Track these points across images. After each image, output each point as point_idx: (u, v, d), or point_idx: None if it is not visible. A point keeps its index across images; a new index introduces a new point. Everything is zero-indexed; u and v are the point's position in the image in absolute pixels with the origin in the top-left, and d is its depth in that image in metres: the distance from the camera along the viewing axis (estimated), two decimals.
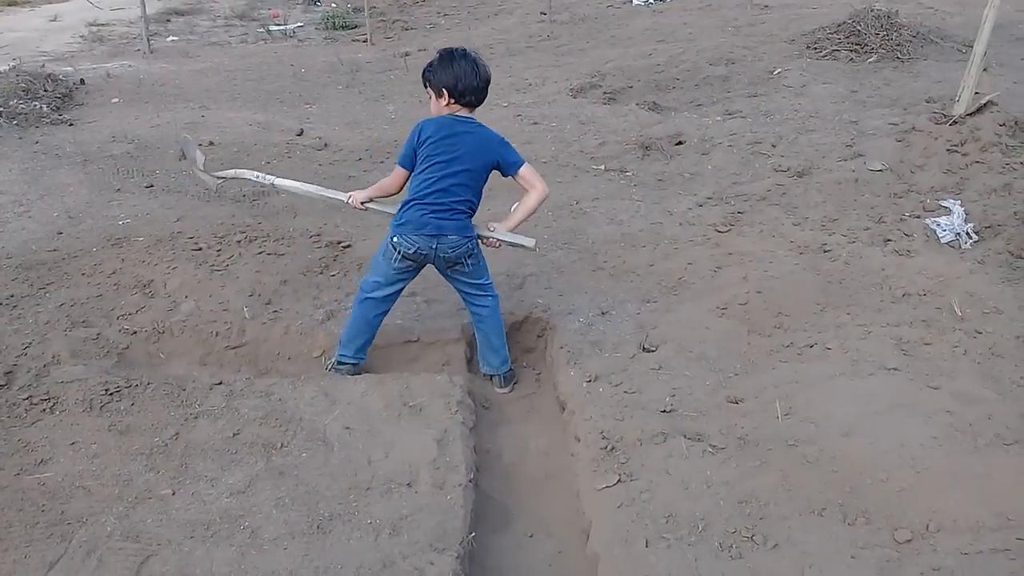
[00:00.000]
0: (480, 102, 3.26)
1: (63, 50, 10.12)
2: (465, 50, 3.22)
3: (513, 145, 3.34)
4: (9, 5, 13.99)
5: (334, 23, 11.67)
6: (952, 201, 4.43)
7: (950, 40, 8.32)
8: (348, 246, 4.37)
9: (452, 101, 3.19)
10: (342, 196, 3.51)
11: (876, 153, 5.19)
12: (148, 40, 9.96)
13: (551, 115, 6.83)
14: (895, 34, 8.14)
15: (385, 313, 3.39)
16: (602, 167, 5.57)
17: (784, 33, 9.12)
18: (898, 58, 7.81)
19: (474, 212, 3.28)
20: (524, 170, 3.28)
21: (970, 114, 5.04)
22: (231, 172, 3.94)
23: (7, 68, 7.99)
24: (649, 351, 3.41)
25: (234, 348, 3.61)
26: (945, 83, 6.74)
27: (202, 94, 7.96)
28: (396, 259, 3.23)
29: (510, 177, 3.30)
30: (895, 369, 3.13)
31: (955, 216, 4.27)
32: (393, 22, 11.89)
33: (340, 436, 2.95)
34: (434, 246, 3.17)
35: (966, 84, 5.04)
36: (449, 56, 3.18)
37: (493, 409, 3.42)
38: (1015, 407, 2.85)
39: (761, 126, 6.16)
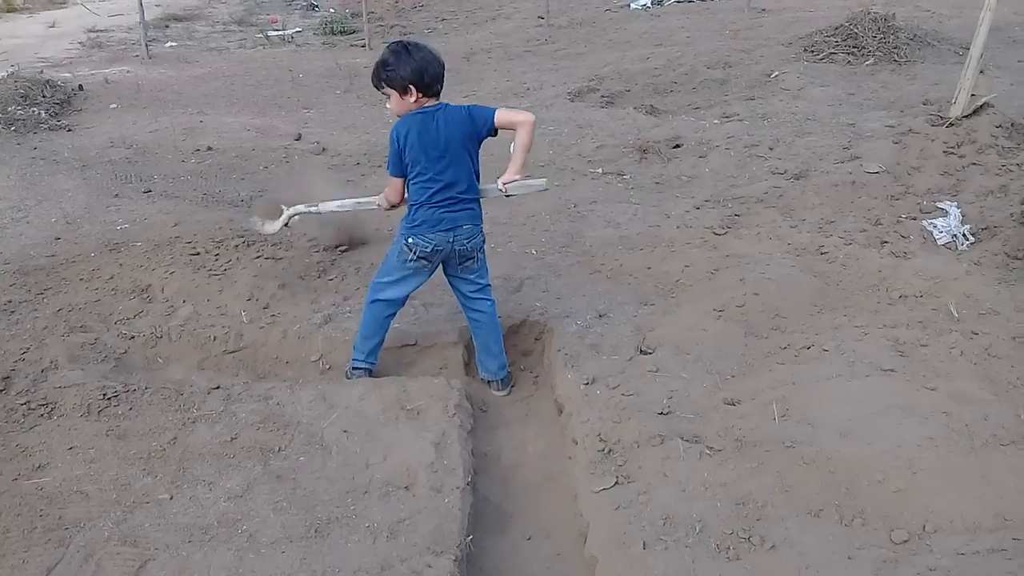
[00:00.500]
0: (442, 89, 3.13)
1: (62, 56, 10.14)
2: (417, 43, 3.10)
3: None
4: (8, 11, 14.01)
5: (332, 28, 11.69)
6: (949, 203, 4.44)
7: (947, 43, 8.34)
8: (346, 250, 4.37)
9: (420, 95, 3.06)
10: (374, 201, 3.41)
11: (873, 155, 5.20)
12: (147, 46, 9.98)
13: (549, 119, 6.84)
14: (892, 37, 8.16)
15: (394, 315, 3.40)
16: (600, 170, 5.58)
17: (781, 36, 9.15)
18: (895, 61, 7.83)
19: (478, 190, 3.27)
20: (499, 116, 3.15)
21: (967, 116, 5.06)
22: (289, 214, 3.66)
23: (5, 74, 8.02)
24: (646, 353, 3.41)
25: (232, 352, 3.61)
26: (942, 85, 6.75)
27: (200, 99, 7.97)
28: (411, 259, 3.22)
29: (495, 129, 3.18)
30: (892, 370, 3.13)
31: (952, 218, 4.28)
32: (391, 27, 11.92)
33: (338, 440, 2.95)
34: (451, 239, 3.17)
35: (963, 86, 5.05)
36: (404, 50, 3.03)
37: (491, 412, 3.42)
38: (1011, 408, 2.85)
39: (758, 129, 6.17)
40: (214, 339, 3.63)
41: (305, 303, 3.89)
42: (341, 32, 11.61)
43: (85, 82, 8.37)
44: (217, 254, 4.25)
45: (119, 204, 5.07)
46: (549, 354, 3.62)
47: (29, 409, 3.08)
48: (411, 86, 3.03)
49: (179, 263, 4.14)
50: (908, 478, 2.53)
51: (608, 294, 3.91)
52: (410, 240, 3.19)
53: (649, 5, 12.20)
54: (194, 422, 3.03)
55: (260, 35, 11.62)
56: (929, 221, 4.30)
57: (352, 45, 10.85)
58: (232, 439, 2.93)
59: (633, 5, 12.24)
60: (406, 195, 3.27)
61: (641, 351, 3.42)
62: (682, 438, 2.83)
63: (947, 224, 4.24)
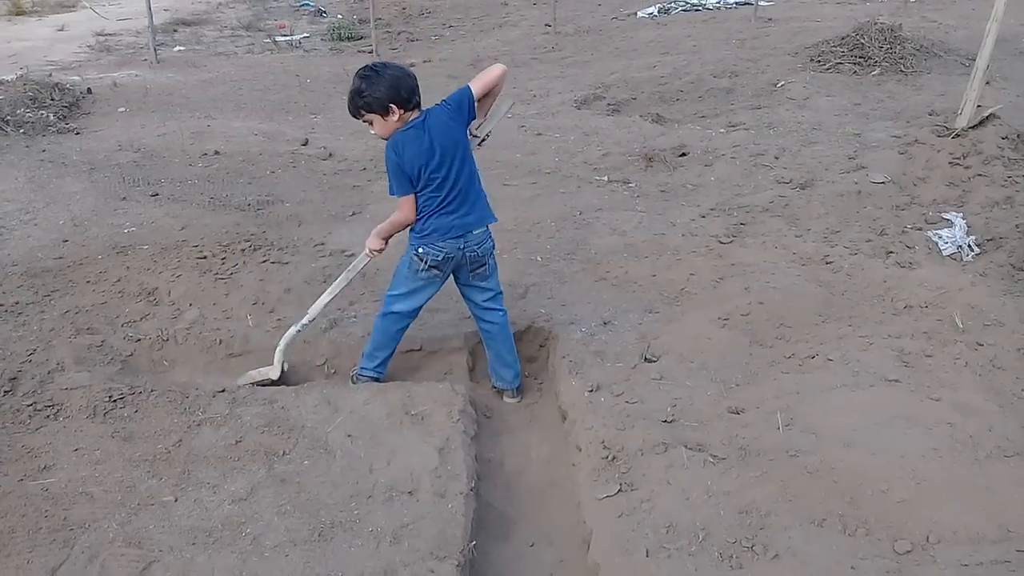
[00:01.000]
0: (420, 100, 3.09)
1: (70, 59, 10.19)
2: (386, 63, 3.08)
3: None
4: (17, 15, 14.09)
5: (340, 34, 11.74)
6: (954, 214, 4.44)
7: (953, 54, 8.35)
8: (352, 255, 4.38)
9: (401, 111, 3.02)
10: (362, 261, 3.39)
11: (879, 165, 5.21)
12: (155, 50, 10.03)
13: (555, 126, 6.86)
14: (898, 47, 8.17)
15: (407, 327, 3.40)
16: (605, 178, 5.59)
17: (788, 46, 9.16)
18: (901, 71, 7.83)
19: (482, 185, 3.27)
20: (474, 87, 3.15)
21: (972, 127, 5.06)
22: (280, 349, 3.51)
23: (14, 77, 8.04)
24: (651, 361, 3.41)
25: (237, 356, 3.63)
26: (948, 96, 6.76)
27: (208, 104, 8.00)
28: (422, 269, 3.22)
29: (475, 101, 3.16)
30: (896, 381, 3.13)
31: (957, 228, 4.29)
32: (398, 33, 11.96)
33: (342, 444, 2.95)
34: (461, 246, 3.17)
35: (969, 97, 5.06)
36: (374, 72, 3.00)
37: (495, 418, 3.43)
38: (1016, 419, 2.85)
39: (764, 138, 6.18)
40: (220, 342, 3.65)
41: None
42: (348, 38, 11.65)
43: (93, 85, 8.41)
44: (224, 258, 4.26)
45: (126, 207, 5.09)
46: (554, 361, 3.62)
47: (35, 410, 3.10)
48: (391, 104, 2.99)
49: (186, 267, 4.16)
50: (912, 488, 2.53)
51: (613, 301, 3.92)
52: (420, 250, 3.18)
53: (656, 14, 12.23)
54: (199, 425, 3.04)
55: (268, 40, 11.67)
56: (934, 232, 4.30)
57: (359, 51, 10.90)
58: (237, 442, 2.94)
59: (640, 14, 12.27)
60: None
61: (646, 359, 3.43)
62: (686, 446, 2.83)
63: (952, 235, 4.24)
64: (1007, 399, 2.99)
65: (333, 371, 3.59)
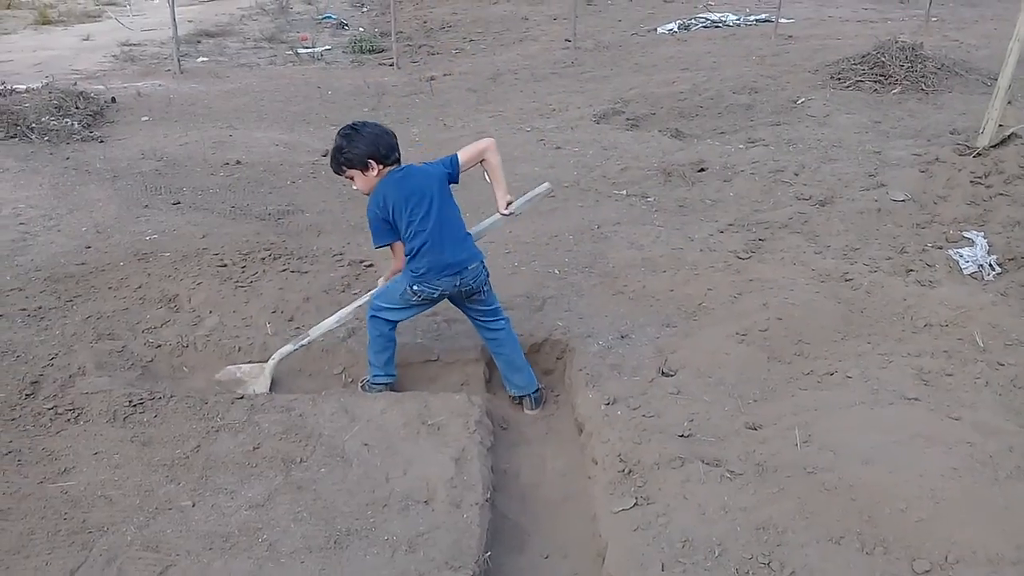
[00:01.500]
0: (400, 156, 3.26)
1: (95, 69, 10.32)
2: (367, 122, 3.24)
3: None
4: (43, 24, 14.30)
5: (361, 47, 11.84)
6: (975, 232, 4.41)
7: (975, 73, 8.32)
8: (370, 265, 4.41)
9: (381, 167, 3.18)
10: (365, 298, 3.54)
11: (899, 183, 5.18)
12: (179, 60, 10.15)
13: (574, 140, 6.89)
14: (920, 66, 8.15)
15: (396, 325, 3.44)
16: (624, 192, 5.60)
17: (808, 63, 9.16)
18: (922, 90, 7.81)
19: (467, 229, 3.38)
20: (461, 157, 3.31)
21: (994, 146, 5.04)
22: (272, 365, 3.58)
23: (40, 85, 8.17)
24: (668, 375, 3.41)
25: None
26: (969, 115, 6.73)
27: (230, 114, 8.09)
28: (414, 299, 3.31)
29: (463, 174, 3.35)
30: (915, 399, 3.11)
31: (978, 247, 4.26)
32: (419, 47, 12.05)
33: (359, 452, 2.97)
34: (457, 283, 3.26)
35: (990, 116, 5.04)
36: (354, 131, 3.17)
37: (511, 429, 3.43)
38: None
39: (784, 154, 6.18)
40: (239, 350, 3.67)
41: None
42: (370, 51, 11.75)
43: (118, 94, 8.52)
44: (244, 266, 4.30)
45: (149, 215, 5.15)
46: (570, 373, 3.62)
47: (56, 414, 3.13)
48: (370, 160, 3.15)
49: (206, 274, 4.20)
50: (931, 508, 2.50)
51: (630, 315, 3.92)
52: (415, 287, 3.27)
53: (676, 30, 12.25)
54: (217, 431, 3.06)
55: (290, 52, 11.79)
56: (955, 250, 4.28)
57: (380, 64, 10.98)
58: (255, 449, 2.96)
59: (660, 30, 12.30)
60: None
61: (663, 373, 3.42)
62: (703, 461, 2.82)
63: (973, 254, 4.21)
64: None
65: (351, 380, 3.61)
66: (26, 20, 14.50)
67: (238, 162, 6.26)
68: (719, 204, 5.32)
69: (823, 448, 2.85)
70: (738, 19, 12.77)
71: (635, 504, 2.68)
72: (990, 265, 4.14)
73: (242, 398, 3.27)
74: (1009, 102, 5.04)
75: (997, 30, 10.67)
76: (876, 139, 6.40)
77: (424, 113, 8.22)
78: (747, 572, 2.36)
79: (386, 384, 3.46)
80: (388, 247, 3.30)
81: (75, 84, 8.66)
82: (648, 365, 3.48)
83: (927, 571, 2.31)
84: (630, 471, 2.82)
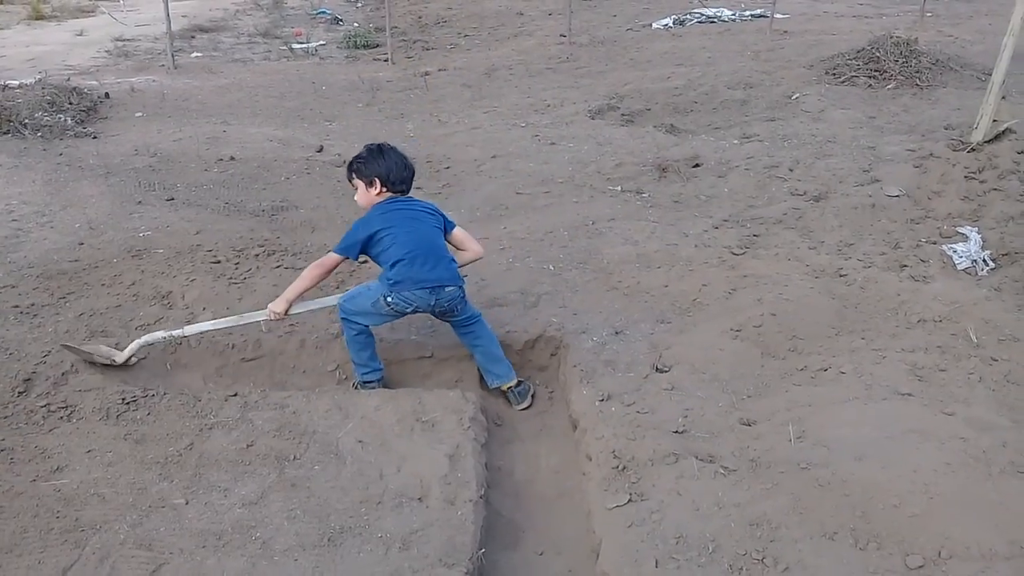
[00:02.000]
0: (408, 190, 3.44)
1: (88, 64, 10.28)
2: (391, 145, 3.43)
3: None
4: (36, 19, 14.24)
5: (355, 42, 11.81)
6: (969, 228, 4.42)
7: (969, 68, 8.32)
8: (364, 261, 4.38)
9: (384, 190, 3.36)
10: (260, 315, 3.49)
11: (893, 179, 5.19)
12: (172, 56, 10.11)
13: (569, 136, 6.88)
14: (914, 61, 8.15)
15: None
16: (619, 188, 5.60)
17: (803, 59, 9.16)
18: (917, 85, 7.81)
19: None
20: (457, 231, 3.51)
21: (988, 141, 5.04)
22: (134, 344, 3.51)
23: (33, 81, 8.13)
24: (662, 371, 3.41)
25: (250, 360, 3.64)
26: (963, 110, 6.74)
27: (224, 110, 8.06)
28: (387, 311, 3.33)
29: (448, 234, 3.48)
30: (909, 394, 3.12)
31: (972, 243, 4.26)
32: (414, 42, 12.02)
33: (353, 450, 2.96)
34: (432, 302, 3.30)
35: (984, 112, 5.04)
36: (379, 151, 3.38)
37: (505, 426, 3.43)
38: None
39: (778, 150, 6.18)
40: (232, 347, 3.66)
41: (323, 313, 3.90)
42: (364, 46, 11.72)
43: (111, 90, 8.47)
44: (237, 263, 4.29)
45: (142, 211, 5.13)
46: (565, 370, 3.62)
47: (49, 411, 3.12)
48: (377, 180, 3.35)
49: (200, 271, 4.18)
50: (924, 503, 2.51)
51: (625, 311, 3.91)
52: (389, 299, 3.29)
53: (671, 25, 12.24)
54: (211, 428, 3.05)
55: (284, 47, 11.75)
56: (949, 246, 4.29)
57: (375, 59, 10.96)
58: (248, 446, 2.95)
59: (655, 25, 12.29)
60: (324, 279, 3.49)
61: (657, 369, 3.42)
62: (696, 457, 2.82)
63: (967, 249, 4.22)
64: (1021, 415, 2.97)
65: (344, 376, 3.60)
66: (19, 15, 14.44)
67: (232, 158, 6.24)
68: (713, 200, 5.31)
69: (817, 444, 2.85)
70: (733, 14, 12.77)
71: (629, 500, 2.68)
72: (984, 260, 4.14)
73: (235, 395, 3.26)
74: (1003, 97, 5.04)
75: (992, 25, 10.68)
76: (870, 135, 6.40)
77: (419, 109, 8.20)
78: (741, 568, 2.36)
79: (377, 379, 3.45)
80: (339, 259, 3.39)
81: (68, 80, 8.62)
82: (642, 361, 3.48)
83: (920, 566, 2.32)
84: (624, 467, 2.82)
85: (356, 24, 13.66)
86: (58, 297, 3.99)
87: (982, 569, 2.28)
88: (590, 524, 2.75)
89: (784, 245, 4.52)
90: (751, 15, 12.67)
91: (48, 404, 3.15)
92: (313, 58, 11.17)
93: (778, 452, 2.83)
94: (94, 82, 8.84)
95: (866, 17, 12.20)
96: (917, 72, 8.00)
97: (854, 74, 8.16)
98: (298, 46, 11.80)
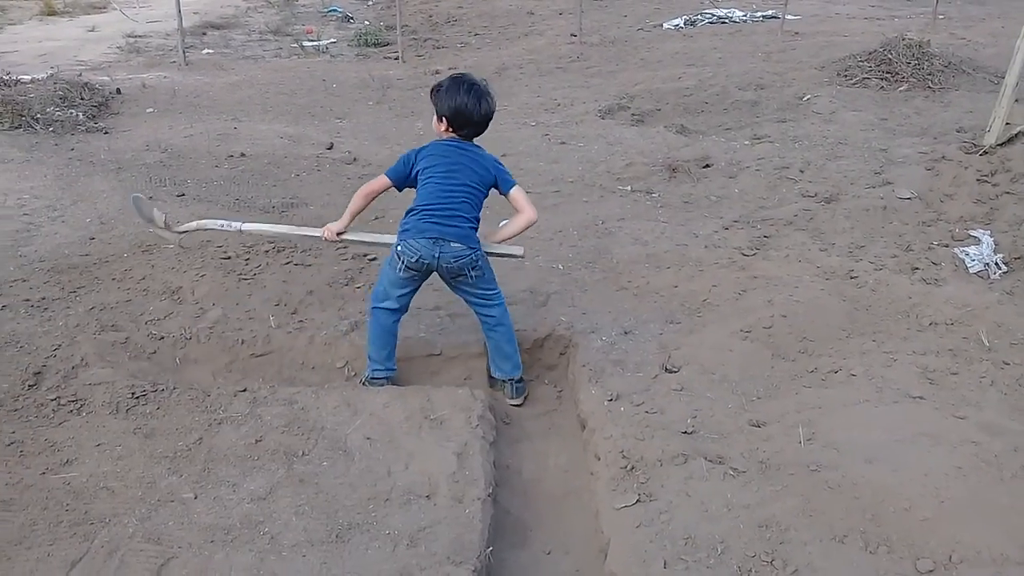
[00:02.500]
0: (477, 134, 3.32)
1: (100, 60, 10.32)
2: (474, 82, 3.24)
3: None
4: (49, 14, 14.30)
5: (366, 40, 11.82)
6: (981, 231, 4.40)
7: (982, 71, 8.27)
8: (374, 259, 4.40)
9: (448, 128, 3.27)
10: (316, 232, 3.56)
11: (905, 181, 5.16)
12: (184, 52, 10.14)
13: (579, 135, 6.87)
14: (926, 63, 8.11)
15: (400, 318, 3.41)
16: (629, 188, 5.59)
17: (814, 60, 9.12)
18: (929, 87, 7.77)
19: (477, 225, 3.30)
20: (516, 191, 3.33)
21: (1001, 144, 5.02)
22: (193, 224, 3.82)
23: (45, 76, 8.17)
24: (671, 372, 3.40)
25: (259, 356, 3.65)
26: (976, 113, 6.70)
27: (235, 106, 8.08)
28: (400, 268, 3.27)
29: (504, 195, 3.36)
30: (920, 398, 3.10)
31: (984, 246, 4.24)
32: (424, 41, 12.03)
33: (361, 446, 2.96)
34: (436, 254, 3.20)
35: (997, 115, 5.02)
36: (456, 84, 3.22)
37: (514, 425, 3.42)
38: None
39: (789, 151, 6.15)
40: (242, 342, 3.67)
41: (332, 310, 3.92)
42: (375, 44, 11.73)
43: (123, 86, 8.51)
44: (247, 259, 4.30)
45: (153, 207, 5.13)
46: (573, 369, 3.61)
47: (59, 405, 3.13)
48: (444, 118, 3.25)
49: (210, 266, 4.19)
50: (935, 507, 2.49)
51: (634, 311, 3.91)
52: (399, 248, 3.26)
53: (682, 25, 12.21)
54: (220, 423, 3.06)
55: (295, 45, 11.77)
56: (961, 249, 4.26)
57: (385, 57, 10.97)
58: (257, 441, 2.96)
59: (666, 25, 12.26)
60: (375, 198, 3.43)
61: (666, 369, 3.41)
62: (706, 458, 2.81)
63: (979, 252, 4.19)
64: None
65: (353, 373, 3.60)
66: (32, 11, 14.51)
67: (242, 154, 6.26)
68: (724, 200, 5.30)
69: (827, 446, 2.84)
70: (744, 15, 12.73)
71: (638, 501, 2.67)
72: (996, 264, 4.12)
73: (244, 391, 3.26)
74: (1016, 100, 5.02)
75: (1004, 28, 10.62)
76: (882, 137, 6.37)
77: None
78: (750, 570, 2.35)
79: (386, 378, 3.45)
80: (387, 183, 3.34)
81: (80, 75, 8.65)
82: (651, 361, 3.47)
83: (931, 571, 2.30)
84: (633, 467, 2.81)
85: (367, 22, 13.68)
86: (69, 291, 4.01)
87: (993, 573, 2.27)
88: (598, 524, 2.74)
89: (795, 246, 4.50)
90: (762, 16, 12.63)
91: (58, 397, 3.16)
92: (324, 56, 11.18)
93: (788, 454, 2.82)
94: (106, 78, 8.87)
95: (878, 19, 12.15)
96: (929, 74, 7.96)
97: (866, 76, 8.13)
98: (309, 44, 11.82)
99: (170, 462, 2.85)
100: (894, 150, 5.92)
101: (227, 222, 3.71)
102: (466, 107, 3.20)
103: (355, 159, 6.32)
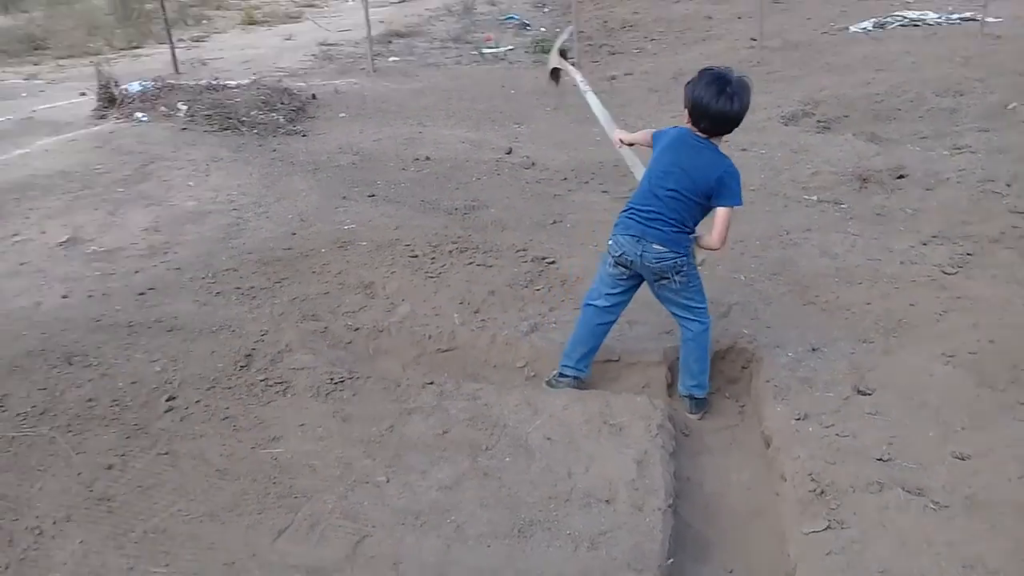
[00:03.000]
0: (718, 133, 3.17)
1: (296, 67, 11.06)
2: (720, 75, 3.09)
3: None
4: (249, 24, 15.48)
5: (543, 47, 11.96)
6: None
7: None
8: (552, 262, 4.47)
9: (689, 121, 3.19)
10: (610, 129, 3.95)
11: None
12: (372, 60, 10.69)
13: (761, 142, 6.67)
14: None
15: (609, 325, 3.43)
16: (815, 198, 5.37)
17: (1019, 66, 8.38)
18: None
19: (686, 231, 3.22)
20: (721, 212, 3.16)
21: None
22: (574, 72, 4.47)
23: (248, 82, 8.85)
24: (865, 394, 3.23)
25: (444, 351, 3.80)
26: None
27: (420, 112, 8.43)
28: (610, 263, 3.31)
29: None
30: None
31: None
32: (600, 46, 12.06)
33: (541, 446, 3.02)
34: (639, 252, 3.19)
35: None
36: (701, 76, 3.12)
37: (693, 437, 3.37)
38: None
39: (994, 163, 5.70)
40: (429, 337, 3.83)
41: (513, 311, 4.01)
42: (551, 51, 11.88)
43: (318, 91, 9.07)
44: (433, 257, 4.48)
45: (346, 206, 5.47)
46: (757, 384, 3.52)
47: (267, 385, 3.39)
48: (687, 108, 3.19)
49: (399, 264, 4.41)
50: None
51: (822, 327, 3.75)
52: (609, 242, 3.31)
53: (870, 29, 11.56)
54: (410, 413, 3.21)
55: (475, 52, 12.13)
56: None
57: None
58: (444, 433, 3.08)
59: (852, 28, 11.65)
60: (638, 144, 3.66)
61: (859, 391, 3.25)
62: (903, 488, 2.66)
63: None
64: None
65: (533, 374, 3.67)
66: (234, 20, 15.76)
67: (427, 158, 6.53)
68: (921, 214, 4.98)
69: None
70: (939, 17, 11.88)
71: (827, 527, 2.57)
72: None
73: (432, 383, 3.40)
74: None
75: None
76: None
77: None
78: None
79: (573, 377, 3.47)
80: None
81: (279, 81, 9.31)
82: (842, 381, 3.32)
83: None
84: (822, 492, 2.71)
85: (543, 29, 13.88)
86: (274, 281, 4.33)
87: None
88: (784, 547, 2.66)
89: (1003, 266, 4.17)
90: (959, 18, 11.73)
91: (266, 379, 3.43)
92: (502, 62, 11.46)
93: (998, 490, 2.61)
94: (302, 84, 9.49)
95: None
96: None
97: None
98: (488, 51, 12.14)
99: (365, 446, 3.02)
100: None
101: (584, 82, 4.31)
102: (702, 100, 3.08)
103: (533, 164, 6.44)
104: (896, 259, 4.32)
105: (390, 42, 12.96)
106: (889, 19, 11.95)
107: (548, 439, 3.06)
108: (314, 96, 8.83)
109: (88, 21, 14.48)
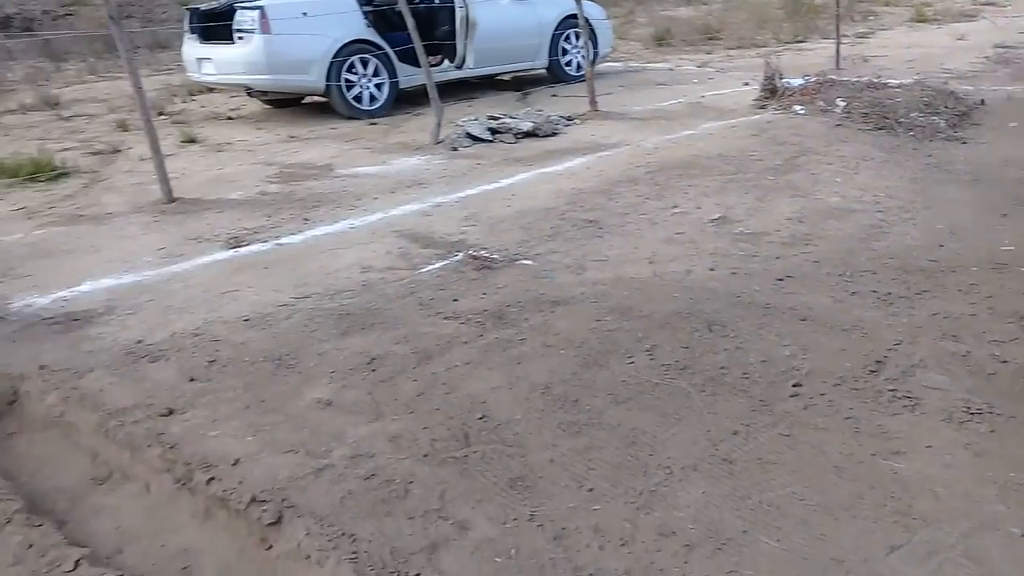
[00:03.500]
0: None
1: (966, 69, 10.22)
2: None
3: None
4: (918, 21, 14.78)
5: None
6: None
7: None
8: None
9: None
10: None
11: None
12: None
13: None
14: None
15: None
16: None
17: None
18: None
19: None
20: None
21: None
22: None
23: (911, 81, 8.49)
24: None
25: None
26: None
27: None
28: None
29: None
30: None
31: None
32: None
33: None
34: None
35: None
36: None
37: None
38: None
39: None
40: None
41: None
42: None
43: (987, 97, 8.29)
44: None
45: (1006, 224, 4.93)
46: None
47: (895, 397, 3.29)
48: None
49: None
50: None
51: None
52: None
53: None
54: None
55: None
56: None
57: None
58: None
59: None
60: None
61: None
62: None
63: None
64: None
65: None
66: (902, 17, 15.22)
67: None
68: None
69: None
70: None
71: None
72: None
73: None
74: None
75: None
76: None
77: None
78: None
79: None
80: None
81: (945, 83, 8.75)
82: None
83: None
84: None
85: None
86: (914, 292, 4.16)
87: None
88: None
89: None
90: None
91: (895, 390, 3.33)
92: None
93: None
94: (969, 87, 8.77)
95: None
96: None
97: None
98: None
99: (999, 489, 2.75)
100: None
101: None
102: None
103: None
104: None
105: None
106: None
107: None
108: (983, 102, 8.10)
109: (759, 14, 15.53)
